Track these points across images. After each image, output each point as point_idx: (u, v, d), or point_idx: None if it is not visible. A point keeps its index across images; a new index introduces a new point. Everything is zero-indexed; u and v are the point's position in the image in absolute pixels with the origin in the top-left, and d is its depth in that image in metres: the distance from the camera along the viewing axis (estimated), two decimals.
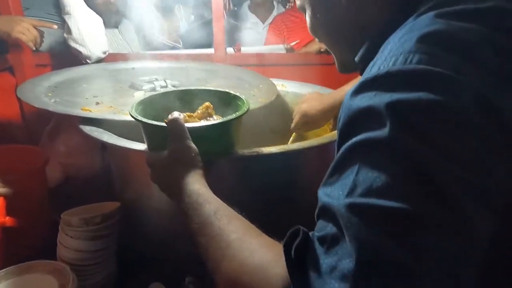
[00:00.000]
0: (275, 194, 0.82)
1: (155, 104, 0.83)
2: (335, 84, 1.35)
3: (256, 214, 0.54)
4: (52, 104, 1.04)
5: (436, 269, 0.33)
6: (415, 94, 0.36)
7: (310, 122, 1.23)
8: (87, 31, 1.49)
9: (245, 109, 0.76)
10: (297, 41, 1.80)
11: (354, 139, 0.39)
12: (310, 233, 0.40)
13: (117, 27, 1.87)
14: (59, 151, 1.38)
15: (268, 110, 1.16)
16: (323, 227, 0.38)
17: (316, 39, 0.67)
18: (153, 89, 1.27)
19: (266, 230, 0.51)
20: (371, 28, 0.56)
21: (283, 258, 0.40)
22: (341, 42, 0.63)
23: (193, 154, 0.65)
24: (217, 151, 0.75)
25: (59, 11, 1.62)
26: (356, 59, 0.59)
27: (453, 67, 0.37)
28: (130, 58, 1.67)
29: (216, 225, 0.53)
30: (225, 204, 0.57)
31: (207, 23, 2.05)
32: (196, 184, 0.61)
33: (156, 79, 1.30)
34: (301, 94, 1.39)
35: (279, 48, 1.79)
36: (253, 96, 1.21)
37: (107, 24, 1.66)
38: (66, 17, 1.49)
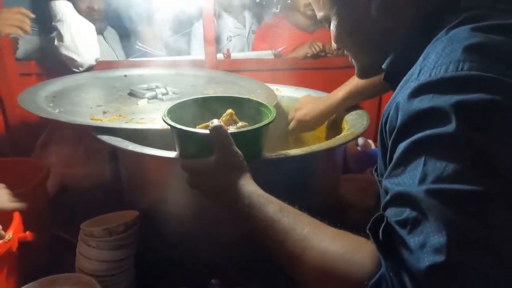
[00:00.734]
0: (296, 193, 0.87)
1: (179, 112, 0.85)
2: (322, 87, 1.43)
3: None
4: (60, 114, 1.02)
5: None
6: (474, 95, 0.43)
7: (306, 126, 1.29)
8: (80, 38, 1.46)
9: (274, 114, 0.80)
10: (285, 47, 1.86)
11: (417, 136, 0.45)
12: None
13: (101, 34, 1.84)
14: (53, 162, 1.35)
15: None
16: (399, 213, 0.43)
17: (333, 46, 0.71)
18: (155, 97, 1.27)
19: None
20: (396, 38, 0.62)
21: (364, 242, 0.45)
22: (366, 50, 0.69)
23: (241, 159, 0.68)
24: (254, 154, 0.78)
25: (36, 18, 1.57)
26: (384, 66, 0.65)
27: (500, 73, 0.44)
28: (120, 66, 1.65)
29: (285, 221, 0.56)
30: (284, 203, 0.61)
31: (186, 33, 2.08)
32: (252, 186, 0.65)
33: (157, 87, 1.30)
34: (296, 98, 1.45)
35: (267, 54, 1.84)
36: None
37: None
38: (58, 25, 1.45)
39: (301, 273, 0.52)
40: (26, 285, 0.84)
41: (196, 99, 0.90)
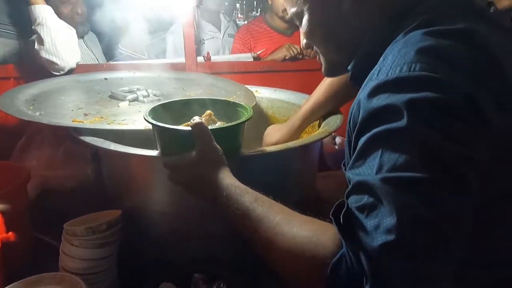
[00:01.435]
0: (274, 189, 0.91)
1: (161, 113, 0.88)
2: (299, 88, 1.49)
3: None
4: (42, 117, 1.03)
5: (455, 221, 0.45)
6: (423, 93, 0.48)
7: None
8: (61, 42, 1.47)
9: (251, 112, 0.85)
10: (264, 50, 1.91)
11: (374, 131, 0.50)
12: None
13: (82, 38, 1.84)
14: (34, 165, 1.35)
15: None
16: (358, 199, 0.49)
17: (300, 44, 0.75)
18: (136, 99, 1.30)
19: None
20: (364, 38, 0.67)
21: (329, 226, 0.50)
22: (336, 48, 0.73)
23: (220, 154, 0.73)
24: (233, 150, 0.82)
25: (13, 21, 1.56)
26: (349, 67, 0.70)
27: (446, 74, 0.50)
28: (100, 69, 1.66)
29: (259, 209, 0.61)
30: (259, 193, 0.65)
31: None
32: (230, 179, 0.69)
33: (138, 89, 1.33)
34: (275, 99, 1.50)
35: (246, 57, 1.89)
36: None
37: None
38: (38, 28, 1.45)
39: (273, 257, 0.57)
40: (10, 285, 0.85)
41: (177, 101, 0.93)
